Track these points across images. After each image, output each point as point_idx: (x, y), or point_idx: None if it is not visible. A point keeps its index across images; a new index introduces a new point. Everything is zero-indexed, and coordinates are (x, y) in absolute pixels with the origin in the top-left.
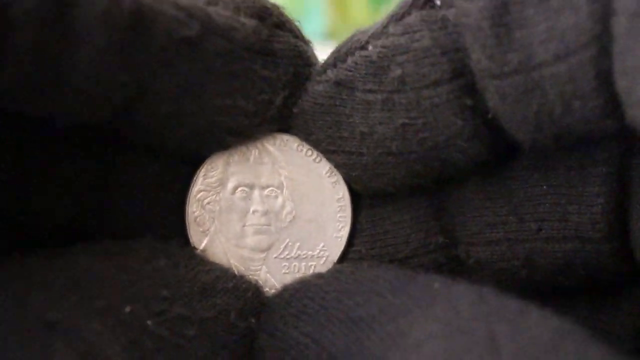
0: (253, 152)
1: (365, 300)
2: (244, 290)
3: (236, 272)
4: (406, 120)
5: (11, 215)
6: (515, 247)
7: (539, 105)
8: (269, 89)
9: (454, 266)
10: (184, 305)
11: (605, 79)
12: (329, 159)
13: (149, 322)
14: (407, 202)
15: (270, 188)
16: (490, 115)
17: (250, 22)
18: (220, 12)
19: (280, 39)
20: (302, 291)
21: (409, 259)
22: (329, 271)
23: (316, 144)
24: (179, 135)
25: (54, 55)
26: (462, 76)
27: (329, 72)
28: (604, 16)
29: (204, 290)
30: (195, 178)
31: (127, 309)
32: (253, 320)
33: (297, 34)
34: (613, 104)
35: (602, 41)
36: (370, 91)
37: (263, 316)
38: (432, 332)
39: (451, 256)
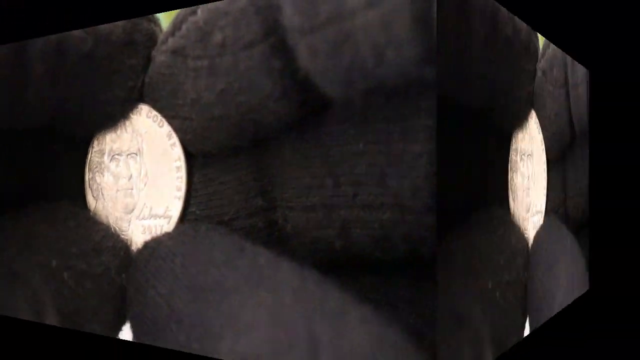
0: (122, 122)
1: (204, 269)
2: (119, 249)
3: (114, 232)
4: (225, 86)
5: None
6: (332, 214)
7: (350, 58)
8: (133, 74)
9: (272, 231)
10: (84, 261)
11: (423, 19)
12: (169, 124)
13: (65, 275)
14: (230, 162)
15: (132, 153)
16: (301, 74)
17: (122, 22)
18: (110, 25)
19: (138, 27)
20: (156, 251)
21: (233, 221)
22: (175, 232)
23: (160, 110)
24: (82, 124)
25: (10, 83)
26: (273, 35)
27: (169, 41)
28: None
29: (95, 249)
30: (88, 150)
31: (53, 263)
32: (123, 276)
33: (150, 18)
34: (430, 47)
35: None
36: (198, 57)
37: (130, 270)
38: (259, 319)
39: (269, 221)
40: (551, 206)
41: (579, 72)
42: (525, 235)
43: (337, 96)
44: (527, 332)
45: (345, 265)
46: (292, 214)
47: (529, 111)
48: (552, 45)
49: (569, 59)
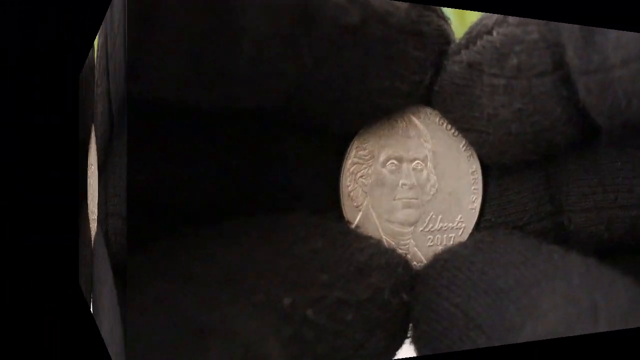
0: (401, 125)
1: (504, 272)
2: (395, 266)
3: (387, 248)
4: (521, 105)
5: (166, 196)
6: (601, 214)
7: (612, 99)
8: (420, 69)
9: (558, 231)
10: (342, 288)
11: None
12: (463, 136)
13: (308, 312)
14: (525, 174)
15: (417, 161)
16: (580, 105)
17: (402, 5)
18: (385, 3)
19: (427, 19)
20: (451, 262)
21: (526, 225)
22: (470, 240)
23: (453, 121)
24: (342, 117)
25: (217, 47)
26: (560, 69)
27: (462, 53)
28: None
29: (360, 270)
30: (348, 152)
31: (287, 301)
32: (404, 296)
33: (439, 13)
34: None
35: None
36: (494, 75)
37: (417, 288)
38: (554, 304)
39: (556, 223)
40: (514, 220)
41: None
42: (401, 252)
43: (603, 126)
44: (402, 354)
45: (611, 250)
46: (574, 216)
47: (410, 110)
48: (524, 28)
49: (575, 38)
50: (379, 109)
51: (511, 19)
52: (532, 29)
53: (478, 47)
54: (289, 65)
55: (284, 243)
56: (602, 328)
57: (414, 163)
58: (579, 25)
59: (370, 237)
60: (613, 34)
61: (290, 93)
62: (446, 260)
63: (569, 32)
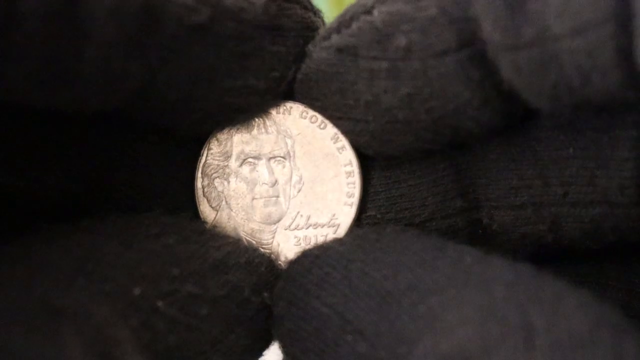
0: (257, 121)
1: (393, 273)
2: (257, 265)
3: (248, 246)
4: (412, 90)
5: (19, 192)
6: (541, 211)
7: (556, 78)
8: (280, 64)
9: (474, 230)
10: (195, 284)
11: (625, 54)
12: (335, 125)
13: (159, 303)
14: (423, 164)
15: (277, 158)
16: (505, 87)
17: (259, 0)
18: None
19: (289, 12)
20: (322, 258)
21: (426, 222)
22: (350, 236)
23: (322, 111)
24: (189, 118)
25: (62, 48)
26: (469, 46)
27: (333, 37)
28: None
29: (215, 267)
30: (202, 152)
31: (136, 291)
32: (266, 295)
33: (305, 5)
34: (634, 77)
35: (621, 17)
36: (374, 58)
37: (280, 284)
38: (465, 317)
39: (471, 220)
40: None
41: None
42: (264, 252)
43: (544, 107)
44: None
45: (559, 256)
46: (498, 213)
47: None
48: (416, 4)
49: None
50: (232, 109)
51: None
52: (428, 4)
53: (353, 30)
54: (134, 66)
55: (136, 238)
56: (541, 357)
57: (274, 160)
58: None
59: (228, 237)
60: None
61: (137, 94)
62: (317, 256)
63: (485, 3)
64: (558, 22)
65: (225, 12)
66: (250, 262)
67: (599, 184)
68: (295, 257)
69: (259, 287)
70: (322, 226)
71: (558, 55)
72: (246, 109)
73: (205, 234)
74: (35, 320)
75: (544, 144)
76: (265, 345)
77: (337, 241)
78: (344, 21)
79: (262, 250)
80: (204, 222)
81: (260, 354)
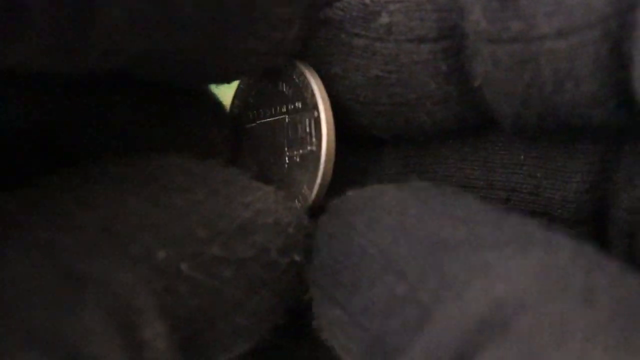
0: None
1: (451, 224)
2: (285, 225)
3: (276, 200)
4: (380, 73)
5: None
6: None
7: (531, 78)
8: (285, 25)
9: None
10: (222, 246)
11: (602, 64)
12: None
13: (183, 266)
14: (373, 152)
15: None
16: (477, 83)
17: None
18: None
19: None
20: (377, 201)
21: None
22: (409, 186)
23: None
24: (195, 79)
25: (69, 29)
26: (448, 38)
27: (325, 10)
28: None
29: (242, 228)
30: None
31: (161, 254)
32: (296, 257)
33: None
34: (605, 92)
35: (609, 24)
36: (355, 35)
37: (325, 218)
38: (526, 269)
39: None
40: None
41: None
42: (291, 206)
43: (509, 111)
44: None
45: None
46: None
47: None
48: None
49: None
50: (234, 71)
51: None
52: None
53: (343, 3)
54: (139, 38)
55: (163, 191)
56: (600, 317)
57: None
58: None
59: (256, 188)
60: None
61: (137, 60)
62: (370, 198)
63: None
64: (546, 22)
65: None
66: (278, 222)
67: (543, 194)
68: (350, 193)
69: (287, 248)
70: None
71: (538, 55)
72: (248, 70)
73: (234, 185)
74: (58, 290)
75: (497, 148)
76: (289, 306)
77: (395, 187)
78: None
79: (290, 205)
80: (233, 170)
81: (282, 315)
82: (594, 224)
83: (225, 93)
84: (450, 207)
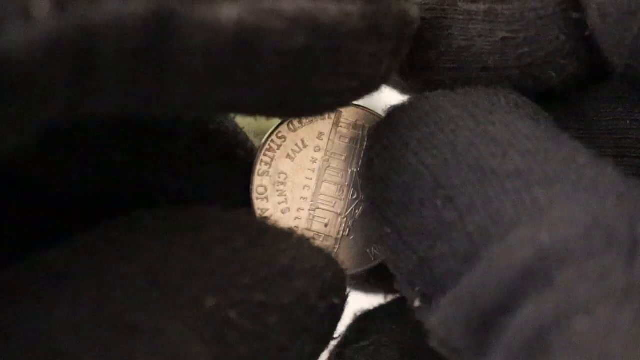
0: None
1: (502, 152)
2: (321, 269)
3: (310, 247)
4: (507, 34)
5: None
6: None
7: (639, 29)
8: (374, 61)
9: None
10: (265, 292)
11: None
12: (417, 76)
13: (231, 314)
14: None
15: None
16: (588, 33)
17: (355, 6)
18: (327, 6)
19: (384, 11)
20: (431, 116)
21: None
22: (463, 95)
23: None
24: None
25: (147, 84)
26: None
27: None
28: None
29: (282, 274)
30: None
31: (209, 302)
32: (335, 300)
33: None
34: None
35: None
36: (473, 1)
37: (379, 127)
38: (572, 217)
39: None
40: None
41: None
42: (324, 250)
43: (619, 62)
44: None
45: None
46: None
47: None
48: None
49: None
50: (322, 108)
51: None
52: None
53: None
54: (219, 90)
55: (205, 242)
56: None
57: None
58: None
59: (289, 235)
60: None
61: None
62: (426, 113)
63: None
64: None
65: (321, 31)
66: (314, 268)
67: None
68: (402, 105)
69: (325, 292)
70: None
71: None
72: (342, 104)
73: (268, 233)
74: (109, 340)
75: (601, 114)
76: (325, 348)
77: (449, 100)
78: None
79: (322, 249)
80: (265, 218)
81: (318, 358)
82: None
83: None
84: (504, 130)
